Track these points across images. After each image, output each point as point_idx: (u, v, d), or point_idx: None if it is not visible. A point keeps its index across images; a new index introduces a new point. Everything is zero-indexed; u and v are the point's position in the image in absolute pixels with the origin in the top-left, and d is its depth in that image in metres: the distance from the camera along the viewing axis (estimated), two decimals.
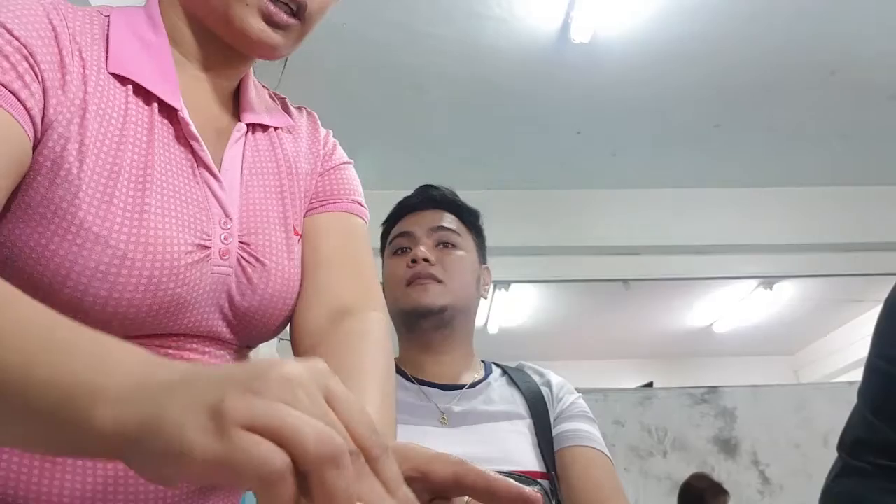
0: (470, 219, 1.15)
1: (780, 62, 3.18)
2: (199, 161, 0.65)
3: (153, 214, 0.59)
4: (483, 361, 1.13)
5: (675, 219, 4.12)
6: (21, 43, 0.55)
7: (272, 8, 0.63)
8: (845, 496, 1.01)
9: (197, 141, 0.64)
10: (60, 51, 0.59)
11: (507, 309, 5.48)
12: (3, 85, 0.54)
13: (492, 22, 2.90)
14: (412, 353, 1.07)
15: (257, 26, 0.63)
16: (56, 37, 0.59)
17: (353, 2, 2.73)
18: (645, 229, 4.11)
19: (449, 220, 1.11)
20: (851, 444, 1.01)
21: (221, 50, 0.68)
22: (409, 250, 1.07)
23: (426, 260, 1.04)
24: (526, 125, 3.58)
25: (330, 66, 3.04)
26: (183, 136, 0.64)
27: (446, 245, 1.08)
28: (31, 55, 0.56)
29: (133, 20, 0.66)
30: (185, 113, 0.64)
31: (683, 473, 3.65)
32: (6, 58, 0.54)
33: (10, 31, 0.55)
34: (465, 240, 1.11)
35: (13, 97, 0.54)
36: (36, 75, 0.56)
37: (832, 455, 1.10)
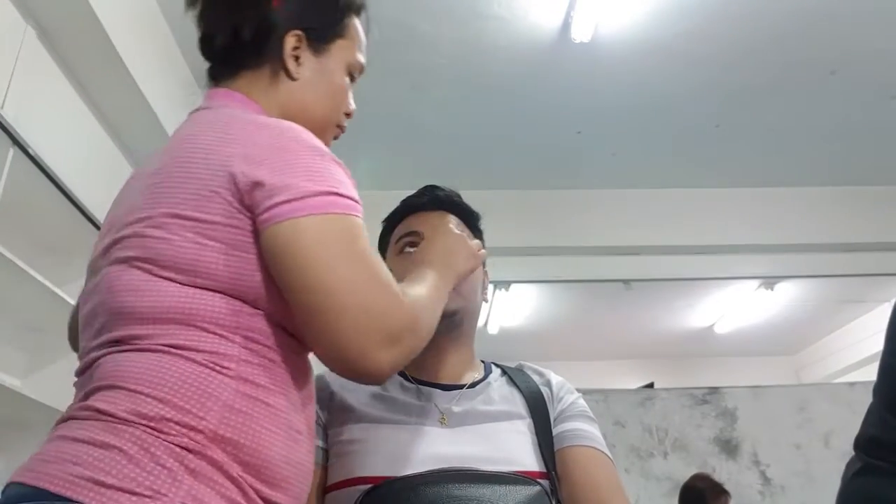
0: (473, 221, 1.15)
1: (781, 62, 3.18)
2: None
3: None
4: (483, 361, 1.12)
5: (675, 219, 4.12)
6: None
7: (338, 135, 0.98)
8: (863, 495, 1.00)
9: None
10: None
11: (508, 309, 5.47)
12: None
13: (492, 21, 2.89)
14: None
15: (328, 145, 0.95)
16: None
17: None
18: (645, 229, 4.11)
19: (455, 223, 1.11)
20: (867, 442, 1.00)
21: None
22: None
23: None
24: (526, 125, 3.58)
25: None
26: None
27: None
28: None
29: None
30: None
31: (684, 474, 3.64)
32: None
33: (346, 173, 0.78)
34: None
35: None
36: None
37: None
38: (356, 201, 0.74)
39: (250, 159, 0.72)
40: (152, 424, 0.64)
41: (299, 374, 0.75)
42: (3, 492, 0.65)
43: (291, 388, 0.74)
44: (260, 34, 0.88)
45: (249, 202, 0.71)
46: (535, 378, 1.08)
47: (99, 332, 0.73)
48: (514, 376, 1.08)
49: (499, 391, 1.04)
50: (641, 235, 4.11)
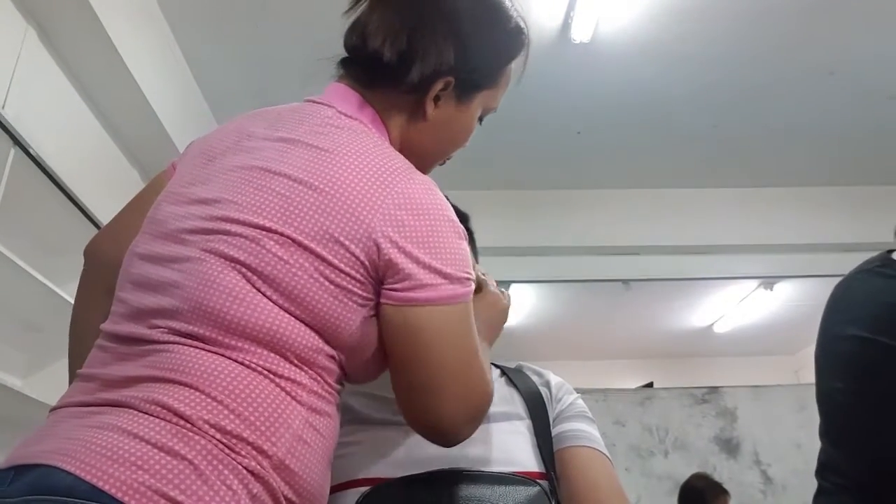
0: (462, 222, 1.14)
1: (779, 62, 3.18)
2: None
3: None
4: None
5: (675, 219, 4.12)
6: None
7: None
8: None
9: None
10: None
11: None
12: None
13: None
14: None
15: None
16: None
17: None
18: (645, 229, 4.11)
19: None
20: (818, 466, 1.11)
21: None
22: None
23: None
24: (526, 125, 3.58)
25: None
26: None
27: None
28: None
29: None
30: None
31: (684, 473, 3.65)
32: None
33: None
34: None
35: None
36: None
37: None
38: (473, 280, 0.81)
39: (399, 226, 0.74)
40: (225, 440, 0.63)
41: (338, 411, 0.78)
42: (26, 471, 0.60)
43: (337, 422, 0.77)
44: (428, 76, 0.86)
45: (384, 268, 0.74)
46: (534, 379, 1.09)
47: (172, 315, 0.70)
48: (513, 377, 1.08)
49: (498, 392, 1.04)
50: (641, 235, 4.11)
